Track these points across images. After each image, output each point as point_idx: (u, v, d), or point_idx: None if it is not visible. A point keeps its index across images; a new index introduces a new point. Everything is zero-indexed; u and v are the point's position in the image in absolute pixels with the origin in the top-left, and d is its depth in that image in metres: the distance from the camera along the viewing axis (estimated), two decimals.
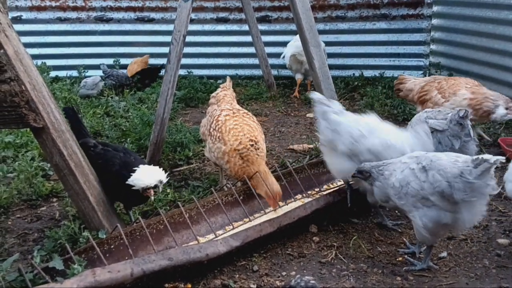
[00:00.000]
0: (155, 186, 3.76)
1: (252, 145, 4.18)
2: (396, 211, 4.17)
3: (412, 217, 3.36)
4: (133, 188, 3.72)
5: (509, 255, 3.61)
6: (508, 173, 3.80)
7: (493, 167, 3.07)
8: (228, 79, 5.15)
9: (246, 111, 4.63)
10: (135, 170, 3.77)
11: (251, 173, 4.10)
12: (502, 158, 3.03)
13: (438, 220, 3.23)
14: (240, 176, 4.21)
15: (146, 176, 3.74)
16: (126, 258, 3.31)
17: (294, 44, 7.51)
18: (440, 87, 5.21)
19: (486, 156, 3.08)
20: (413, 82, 5.80)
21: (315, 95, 4.09)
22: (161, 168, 3.92)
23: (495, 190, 3.21)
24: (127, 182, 3.71)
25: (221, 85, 5.08)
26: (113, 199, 3.97)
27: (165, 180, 3.83)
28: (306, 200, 4.15)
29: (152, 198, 3.82)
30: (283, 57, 8.08)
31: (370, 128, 3.85)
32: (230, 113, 4.46)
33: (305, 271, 3.48)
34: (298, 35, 7.51)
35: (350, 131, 3.82)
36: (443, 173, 3.18)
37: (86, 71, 8.83)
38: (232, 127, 4.28)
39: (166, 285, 3.25)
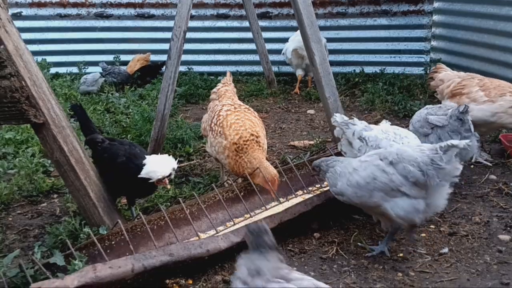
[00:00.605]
0: (169, 175, 3.75)
1: (253, 138, 4.18)
2: None
3: (383, 209, 3.44)
4: (149, 181, 3.70)
5: (510, 251, 3.61)
6: None
7: (462, 151, 3.30)
8: (228, 73, 5.13)
9: (247, 106, 4.62)
10: (141, 161, 3.76)
11: (246, 166, 4.10)
12: (468, 141, 3.26)
13: (409, 207, 3.35)
14: (237, 172, 4.20)
15: (159, 166, 3.71)
16: (127, 254, 3.30)
17: (296, 38, 7.50)
18: (483, 84, 5.07)
19: (453, 141, 3.27)
20: (447, 74, 5.62)
21: (337, 118, 4.12)
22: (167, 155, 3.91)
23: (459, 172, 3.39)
24: (140, 176, 3.68)
25: (221, 80, 5.06)
26: (118, 193, 3.96)
27: (176, 166, 3.81)
28: (307, 196, 4.14)
29: (168, 186, 3.85)
30: (284, 51, 8.05)
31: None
32: (232, 108, 4.46)
33: (306, 267, 3.48)
34: (299, 31, 7.56)
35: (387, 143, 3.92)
36: (415, 163, 3.32)
37: (86, 67, 8.83)
38: (234, 121, 4.28)
39: (167, 281, 3.26)
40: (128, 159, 3.77)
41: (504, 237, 3.79)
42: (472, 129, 4.34)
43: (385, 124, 4.23)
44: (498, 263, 3.47)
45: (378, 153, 3.56)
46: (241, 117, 4.32)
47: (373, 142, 3.90)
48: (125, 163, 3.77)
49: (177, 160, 3.87)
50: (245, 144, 4.14)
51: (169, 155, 3.93)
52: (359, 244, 3.70)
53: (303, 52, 7.22)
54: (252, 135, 4.18)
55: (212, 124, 4.40)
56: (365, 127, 4.06)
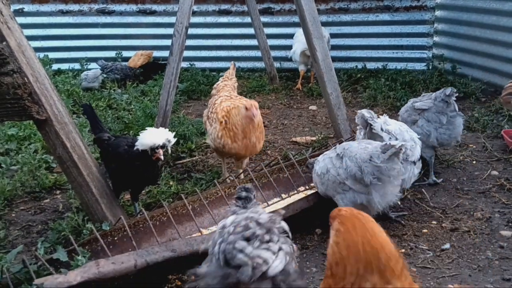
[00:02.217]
0: (164, 146, 3.66)
1: (235, 107, 4.39)
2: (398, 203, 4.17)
3: (335, 200, 3.63)
4: (142, 150, 3.63)
5: None
6: None
7: (401, 152, 3.31)
8: (232, 65, 5.21)
9: (244, 98, 4.78)
10: None
11: (236, 127, 4.27)
12: (407, 144, 3.42)
13: (354, 201, 3.51)
14: (240, 139, 4.30)
15: (153, 136, 3.67)
16: (130, 249, 3.31)
17: (303, 40, 7.49)
18: None
19: (393, 141, 3.37)
20: None
21: (364, 112, 4.07)
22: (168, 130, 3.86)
23: (403, 176, 3.56)
24: (135, 147, 3.66)
25: (225, 73, 5.16)
26: (123, 185, 3.97)
27: (173, 139, 3.73)
28: (309, 192, 4.15)
29: (161, 157, 3.65)
30: (292, 54, 8.01)
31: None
32: (227, 98, 4.68)
33: (307, 263, 3.49)
34: (301, 29, 7.54)
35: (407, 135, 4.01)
36: (354, 159, 3.49)
37: (88, 64, 8.83)
38: (226, 105, 4.47)
39: (170, 276, 3.27)
40: (129, 147, 3.79)
41: (506, 233, 3.79)
42: (457, 109, 4.51)
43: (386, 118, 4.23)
44: (500, 258, 3.47)
45: (337, 146, 3.76)
46: (235, 102, 4.51)
47: (399, 136, 3.93)
48: (126, 150, 3.79)
49: (173, 134, 3.77)
50: (228, 112, 4.36)
51: (171, 154, 3.93)
52: None
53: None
54: (238, 106, 4.36)
55: (209, 113, 4.61)
56: (385, 121, 4.09)
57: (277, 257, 2.20)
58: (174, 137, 5.55)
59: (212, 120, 4.52)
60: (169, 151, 3.79)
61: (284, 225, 2.40)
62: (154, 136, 3.66)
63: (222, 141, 4.37)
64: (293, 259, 2.34)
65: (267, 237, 2.22)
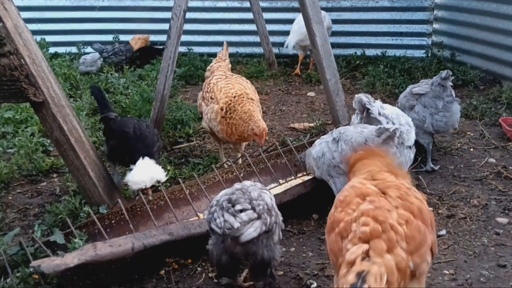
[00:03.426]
0: (152, 186, 3.58)
1: (241, 96, 4.21)
2: None
3: (330, 184, 3.66)
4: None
5: (507, 233, 3.63)
6: None
7: (396, 136, 3.33)
8: (225, 44, 5.13)
9: (239, 75, 4.68)
10: (146, 125, 3.81)
11: (238, 126, 4.14)
12: (402, 128, 3.42)
13: (342, 185, 3.42)
14: (232, 136, 4.23)
15: (143, 175, 3.51)
16: (127, 233, 3.32)
17: (298, 30, 7.45)
18: None
19: (388, 125, 3.38)
20: None
21: (362, 97, 4.03)
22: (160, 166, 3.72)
23: (397, 159, 3.51)
24: (124, 181, 3.60)
25: (218, 54, 5.06)
26: (120, 161, 3.98)
27: (163, 179, 3.62)
28: (306, 178, 4.15)
29: (150, 197, 3.60)
30: (287, 44, 7.99)
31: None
32: (222, 77, 4.53)
33: (304, 247, 3.50)
34: (298, 18, 7.49)
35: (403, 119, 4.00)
36: (349, 142, 3.50)
37: (85, 47, 8.76)
38: (223, 86, 4.34)
39: (167, 259, 3.28)
40: (134, 131, 3.76)
41: (502, 219, 3.81)
42: (454, 95, 4.53)
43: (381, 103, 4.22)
44: (496, 245, 3.49)
45: (335, 130, 3.76)
46: (231, 81, 4.39)
47: (395, 120, 3.92)
48: (132, 128, 3.80)
49: (166, 174, 3.69)
50: (233, 102, 4.18)
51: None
52: None
53: (304, 43, 7.37)
54: (241, 95, 4.22)
55: (204, 93, 4.47)
56: (382, 105, 4.08)
57: (252, 225, 2.63)
58: (172, 122, 5.60)
59: (207, 100, 4.37)
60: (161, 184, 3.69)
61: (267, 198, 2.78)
62: (144, 176, 3.50)
63: (217, 127, 4.27)
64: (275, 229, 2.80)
65: (239, 207, 2.64)
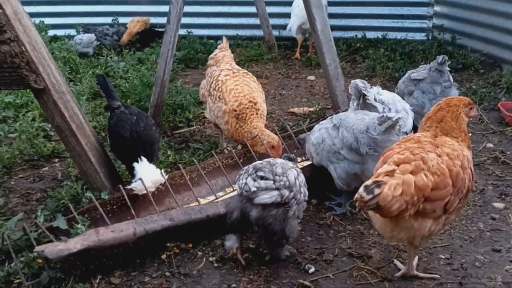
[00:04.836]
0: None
1: (251, 106, 4.20)
2: None
3: (329, 170, 3.70)
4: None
5: (503, 218, 3.69)
6: None
7: (397, 125, 3.35)
8: (224, 39, 5.07)
9: (246, 71, 4.61)
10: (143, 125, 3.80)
11: (246, 135, 4.14)
12: (402, 115, 3.49)
13: (348, 171, 3.58)
14: (236, 139, 4.25)
15: (147, 183, 3.50)
16: (129, 218, 3.37)
17: (299, 13, 7.39)
18: None
19: (390, 114, 3.39)
20: None
21: (358, 82, 4.02)
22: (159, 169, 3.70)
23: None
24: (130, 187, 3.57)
25: (218, 46, 5.02)
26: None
27: (163, 180, 3.62)
28: (306, 163, 4.19)
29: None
30: (290, 28, 7.93)
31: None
32: (230, 73, 4.46)
33: (303, 232, 3.56)
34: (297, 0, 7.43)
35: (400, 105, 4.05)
36: (351, 130, 3.52)
37: (84, 30, 8.70)
38: (233, 87, 4.30)
39: (168, 244, 3.34)
40: (131, 134, 3.74)
41: (499, 205, 3.86)
42: (452, 80, 4.58)
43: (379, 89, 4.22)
44: (491, 230, 3.55)
45: (333, 117, 3.80)
46: (239, 82, 4.34)
47: (391, 106, 3.95)
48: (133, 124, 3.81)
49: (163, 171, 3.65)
50: (243, 112, 4.16)
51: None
52: (349, 208, 3.78)
53: (306, 26, 7.23)
54: (251, 101, 4.20)
55: (211, 89, 4.41)
56: (378, 91, 4.09)
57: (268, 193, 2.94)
58: (172, 106, 5.61)
59: (214, 98, 4.32)
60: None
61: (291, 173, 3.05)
62: (148, 183, 3.48)
63: (224, 126, 4.28)
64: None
65: (261, 174, 2.96)
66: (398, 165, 2.64)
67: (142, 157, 3.61)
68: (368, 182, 2.57)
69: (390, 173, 2.60)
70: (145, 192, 3.49)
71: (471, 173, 2.83)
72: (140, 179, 3.48)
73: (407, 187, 2.54)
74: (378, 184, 2.53)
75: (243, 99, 4.20)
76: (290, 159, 3.39)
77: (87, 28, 8.31)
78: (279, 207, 2.99)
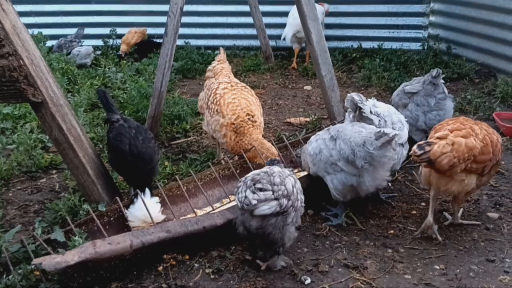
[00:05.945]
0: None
1: (248, 118, 4.23)
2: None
3: (326, 181, 3.75)
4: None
5: (497, 228, 3.71)
6: None
7: (393, 141, 3.40)
8: (222, 50, 5.10)
9: (244, 84, 4.64)
10: (142, 138, 3.80)
11: (246, 147, 4.16)
12: (401, 133, 3.66)
13: (344, 182, 3.63)
14: (236, 151, 4.27)
15: (147, 218, 3.49)
16: (126, 230, 3.40)
17: (294, 22, 7.47)
18: None
19: (387, 130, 3.43)
20: None
21: (354, 96, 4.05)
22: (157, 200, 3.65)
23: (394, 161, 3.71)
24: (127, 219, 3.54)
25: (216, 58, 5.04)
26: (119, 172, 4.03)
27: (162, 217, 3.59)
28: (302, 174, 4.22)
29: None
30: (284, 38, 8.02)
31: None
32: (228, 86, 4.48)
33: (299, 243, 3.58)
34: (293, 10, 7.50)
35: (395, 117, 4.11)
36: (348, 142, 3.57)
37: (82, 41, 8.77)
38: (230, 101, 4.31)
39: (165, 256, 3.35)
40: (130, 148, 3.75)
41: (493, 215, 3.89)
42: (446, 92, 4.61)
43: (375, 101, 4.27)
44: (485, 240, 3.58)
45: (330, 128, 3.86)
46: (237, 95, 4.35)
47: (387, 118, 3.99)
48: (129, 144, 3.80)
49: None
50: (241, 126, 4.19)
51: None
52: (345, 219, 3.81)
53: (301, 35, 7.30)
54: (248, 114, 4.23)
55: (209, 103, 4.43)
56: (374, 104, 4.13)
57: (267, 203, 3.01)
58: (170, 117, 5.64)
59: (213, 112, 4.33)
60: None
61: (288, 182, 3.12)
62: (147, 218, 3.47)
63: (222, 139, 4.30)
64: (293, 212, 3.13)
65: (260, 186, 3.02)
66: (451, 132, 3.31)
67: (146, 190, 3.58)
68: (422, 142, 3.26)
69: (444, 137, 3.27)
70: (144, 225, 3.48)
71: (501, 148, 3.52)
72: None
73: (457, 146, 3.22)
74: (429, 143, 3.23)
75: (240, 112, 4.23)
76: (273, 164, 3.43)
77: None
78: (278, 216, 3.06)
